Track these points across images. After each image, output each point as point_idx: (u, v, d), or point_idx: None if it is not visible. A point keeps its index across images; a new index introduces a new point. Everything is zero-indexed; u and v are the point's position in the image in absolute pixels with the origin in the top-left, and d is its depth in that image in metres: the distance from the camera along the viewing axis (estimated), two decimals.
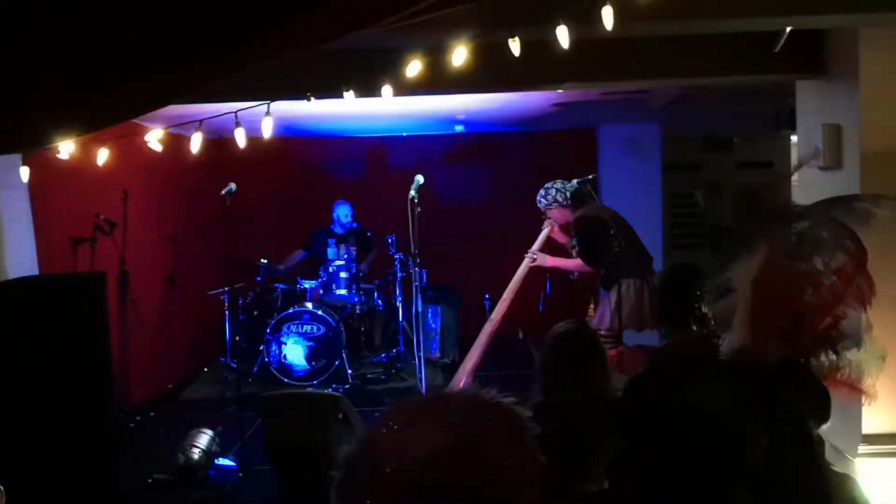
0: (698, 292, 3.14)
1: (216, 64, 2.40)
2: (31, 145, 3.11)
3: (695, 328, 3.12)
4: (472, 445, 0.91)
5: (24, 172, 3.48)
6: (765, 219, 2.37)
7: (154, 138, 3.48)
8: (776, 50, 3.81)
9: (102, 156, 3.57)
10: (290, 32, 2.29)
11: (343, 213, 7.53)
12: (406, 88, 3.32)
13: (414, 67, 2.86)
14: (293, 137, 8.17)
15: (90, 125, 2.78)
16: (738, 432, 1.25)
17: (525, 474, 0.94)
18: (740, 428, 1.26)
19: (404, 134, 8.50)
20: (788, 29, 3.66)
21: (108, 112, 2.61)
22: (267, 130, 3.40)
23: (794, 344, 2.08)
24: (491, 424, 0.95)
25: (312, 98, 3.33)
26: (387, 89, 3.11)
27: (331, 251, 7.28)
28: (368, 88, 3.29)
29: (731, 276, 2.26)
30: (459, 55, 2.72)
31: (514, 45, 2.64)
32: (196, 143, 3.35)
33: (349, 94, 3.28)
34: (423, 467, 0.89)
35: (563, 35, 2.46)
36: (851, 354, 1.95)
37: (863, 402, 1.97)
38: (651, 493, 1.32)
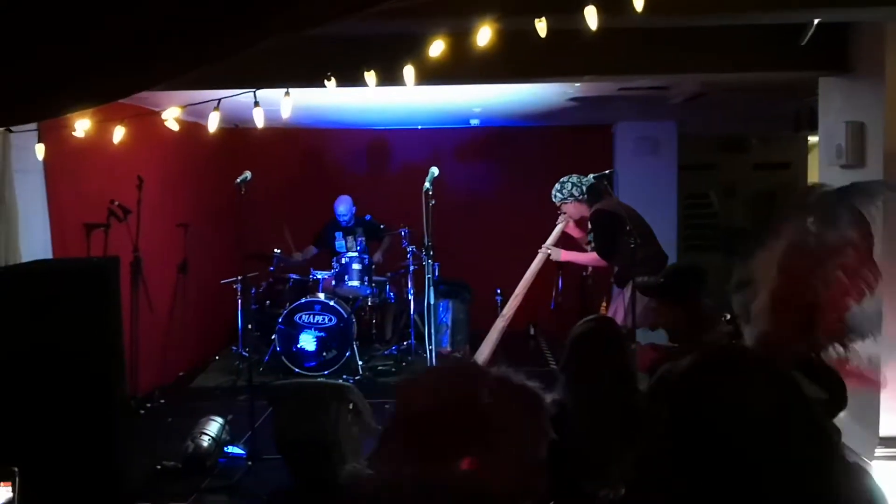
0: (701, 292, 3.11)
1: (209, 48, 2.40)
2: (38, 117, 3.11)
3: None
4: (489, 408, 0.98)
5: (40, 150, 3.46)
6: (786, 209, 2.37)
7: (171, 116, 3.45)
8: (803, 43, 3.75)
9: (117, 137, 3.54)
10: (289, 15, 2.27)
11: (341, 210, 7.41)
12: (426, 76, 3.28)
13: (437, 48, 2.82)
14: (308, 128, 8.15)
15: (94, 100, 2.81)
16: (783, 435, 1.21)
17: (533, 458, 1.02)
18: (785, 430, 1.22)
19: (419, 126, 8.46)
20: (816, 21, 3.60)
21: (108, 89, 2.64)
22: (286, 111, 3.36)
23: (808, 340, 2.13)
24: (511, 402, 1.01)
25: (333, 79, 3.29)
26: (409, 70, 3.06)
27: (338, 244, 7.26)
28: (389, 75, 3.25)
29: (755, 264, 2.25)
30: (484, 35, 2.66)
31: (541, 27, 2.59)
32: (213, 122, 3.31)
33: (370, 78, 3.24)
34: (448, 410, 0.97)
35: (591, 16, 2.41)
36: (868, 347, 2.01)
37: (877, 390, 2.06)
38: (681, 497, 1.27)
